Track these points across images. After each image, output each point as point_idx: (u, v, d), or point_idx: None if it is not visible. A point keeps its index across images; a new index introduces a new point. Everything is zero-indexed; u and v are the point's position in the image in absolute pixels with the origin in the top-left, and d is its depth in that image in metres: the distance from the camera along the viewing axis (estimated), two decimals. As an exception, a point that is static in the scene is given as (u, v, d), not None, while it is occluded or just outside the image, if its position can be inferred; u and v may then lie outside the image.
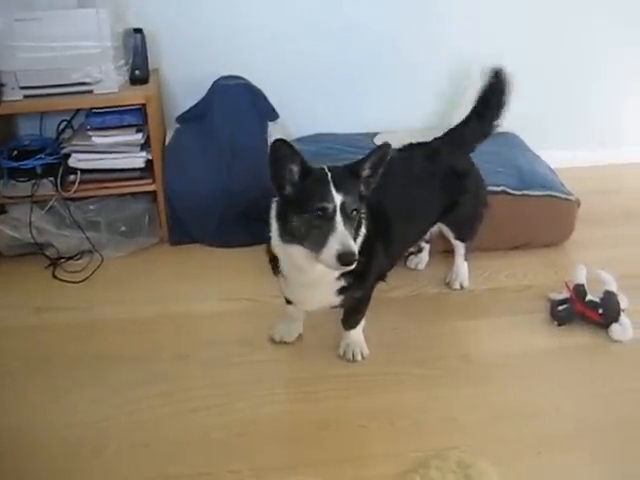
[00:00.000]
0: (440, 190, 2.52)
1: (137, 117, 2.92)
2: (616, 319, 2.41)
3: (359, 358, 2.36)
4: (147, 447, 2.00)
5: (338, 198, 1.90)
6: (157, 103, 3.11)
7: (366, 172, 2.03)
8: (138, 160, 2.96)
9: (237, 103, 3.14)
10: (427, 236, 2.72)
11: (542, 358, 2.34)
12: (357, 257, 1.86)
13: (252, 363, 2.34)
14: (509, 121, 2.67)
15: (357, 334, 2.39)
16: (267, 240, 2.16)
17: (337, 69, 3.43)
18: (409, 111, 3.52)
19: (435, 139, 2.64)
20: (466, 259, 2.77)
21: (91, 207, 3.02)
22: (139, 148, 2.96)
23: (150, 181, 2.99)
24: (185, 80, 3.32)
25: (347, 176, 1.99)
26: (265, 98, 3.25)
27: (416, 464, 1.87)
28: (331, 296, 2.18)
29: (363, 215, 2.05)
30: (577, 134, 3.58)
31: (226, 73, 3.26)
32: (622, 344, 2.39)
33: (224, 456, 1.97)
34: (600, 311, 2.43)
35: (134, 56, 3.03)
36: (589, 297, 2.47)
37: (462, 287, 2.75)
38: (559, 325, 2.48)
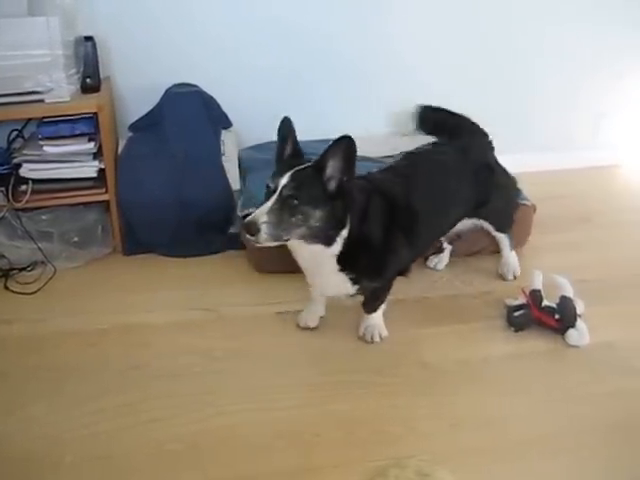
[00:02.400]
0: (472, 185, 2.57)
1: (89, 126, 2.88)
2: (572, 324, 2.42)
3: (377, 339, 2.44)
4: (103, 459, 1.96)
5: (283, 182, 2.03)
6: (109, 111, 3.07)
7: (330, 167, 2.06)
8: (90, 169, 2.91)
9: (190, 111, 3.11)
10: (459, 233, 2.77)
11: (499, 364, 2.34)
12: (260, 232, 1.98)
13: (207, 373, 2.30)
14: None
15: (377, 317, 2.47)
16: None
17: (291, 76, 3.43)
18: (364, 117, 3.52)
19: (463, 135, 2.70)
20: (512, 249, 2.82)
21: (43, 217, 2.96)
22: (91, 157, 2.91)
23: (103, 190, 2.94)
24: (138, 88, 3.29)
25: (309, 170, 2.07)
26: (218, 106, 3.23)
27: (374, 473, 1.85)
28: (345, 285, 2.28)
29: (322, 211, 2.07)
30: (528, 139, 3.62)
31: (179, 81, 3.25)
32: (579, 349, 2.40)
33: (179, 468, 1.93)
34: (556, 316, 2.44)
35: (85, 64, 2.99)
36: (545, 303, 2.47)
37: (515, 277, 2.81)
38: (516, 331, 2.48)
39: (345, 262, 2.21)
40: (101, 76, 3.05)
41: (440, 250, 2.91)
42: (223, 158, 3.09)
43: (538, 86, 3.66)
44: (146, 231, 2.98)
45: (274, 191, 2.05)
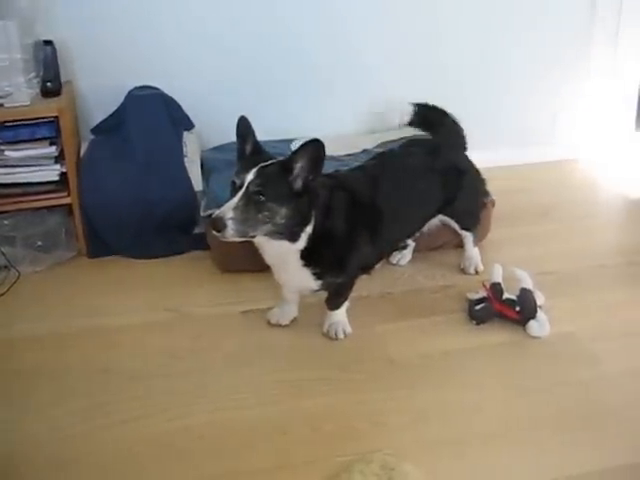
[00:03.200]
0: (438, 186, 2.63)
1: (50, 130, 2.87)
2: (533, 316, 2.46)
3: (341, 336, 2.46)
4: (72, 463, 1.96)
5: (249, 178, 2.05)
6: (70, 115, 3.06)
7: (298, 168, 2.09)
8: (52, 173, 2.91)
9: (152, 113, 3.11)
10: (425, 229, 2.80)
11: (462, 358, 2.38)
12: (226, 228, 2.02)
13: (174, 374, 2.31)
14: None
15: (340, 314, 2.49)
16: None
17: (252, 77, 3.44)
18: (325, 117, 3.55)
19: (435, 136, 2.77)
20: (475, 245, 2.87)
21: (5, 222, 2.94)
22: (53, 161, 2.90)
23: (65, 194, 2.93)
24: (99, 91, 3.27)
25: (276, 167, 2.10)
26: (180, 107, 3.24)
27: (340, 469, 1.88)
28: (309, 280, 2.31)
29: (288, 209, 2.10)
30: (488, 135, 3.64)
31: (140, 83, 3.24)
32: (540, 340, 2.45)
33: (149, 469, 1.94)
34: (517, 309, 2.48)
35: (45, 68, 2.97)
36: (506, 295, 2.51)
37: (477, 272, 2.85)
38: (478, 324, 2.52)
39: (309, 257, 2.24)
40: (62, 80, 3.04)
41: (403, 247, 2.94)
42: (185, 159, 3.10)
43: (497, 84, 3.70)
44: (110, 233, 2.97)
45: (240, 187, 2.07)
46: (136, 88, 3.22)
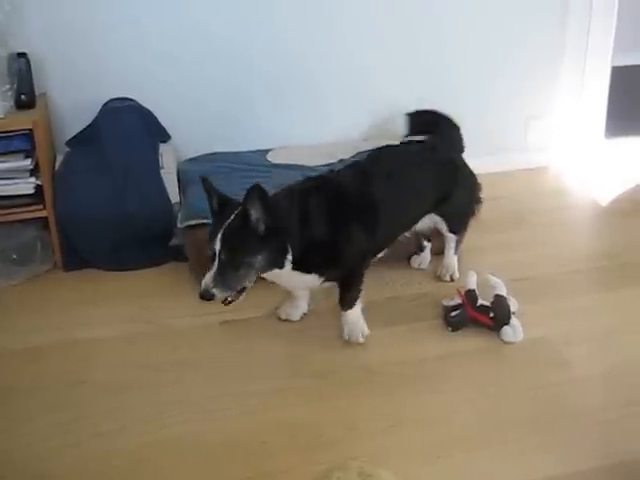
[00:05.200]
0: (434, 180, 2.67)
1: (25, 142, 2.86)
2: (507, 322, 2.50)
3: (361, 340, 2.49)
4: (49, 478, 1.96)
5: (217, 246, 2.14)
6: (45, 127, 3.05)
7: (253, 215, 2.14)
8: (27, 186, 2.89)
9: (127, 125, 3.11)
10: (425, 231, 2.85)
11: (438, 364, 2.41)
12: (212, 295, 2.12)
13: (151, 386, 2.32)
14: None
15: (355, 314, 2.50)
16: None
17: (227, 88, 3.44)
18: (303, 127, 3.57)
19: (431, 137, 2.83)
20: (456, 253, 2.90)
21: (-20, 236, 2.93)
22: (28, 174, 2.89)
23: (41, 207, 2.92)
24: (74, 103, 3.26)
25: (236, 225, 2.15)
26: (156, 119, 3.25)
27: (317, 477, 1.88)
28: (311, 280, 2.39)
29: (263, 254, 2.18)
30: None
31: (116, 95, 3.24)
32: (514, 345, 2.48)
33: (126, 483, 1.94)
34: (491, 315, 2.52)
35: (19, 81, 2.96)
36: (480, 302, 2.55)
37: (452, 279, 2.87)
38: (453, 331, 2.55)
39: (304, 266, 2.31)
40: (36, 92, 3.03)
41: (421, 249, 2.98)
42: (162, 171, 3.10)
43: (470, 92, 3.74)
44: (86, 246, 2.96)
45: (213, 255, 2.14)
46: (112, 100, 3.22)
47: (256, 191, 2.11)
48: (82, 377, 2.37)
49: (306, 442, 2.07)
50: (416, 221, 2.74)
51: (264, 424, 2.15)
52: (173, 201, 3.02)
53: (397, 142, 2.92)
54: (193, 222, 2.82)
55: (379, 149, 2.77)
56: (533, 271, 2.95)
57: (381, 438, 2.09)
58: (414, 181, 2.61)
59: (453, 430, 2.12)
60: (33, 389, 2.32)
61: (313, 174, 3.10)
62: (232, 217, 2.16)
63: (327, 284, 2.45)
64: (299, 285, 2.49)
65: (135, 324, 2.64)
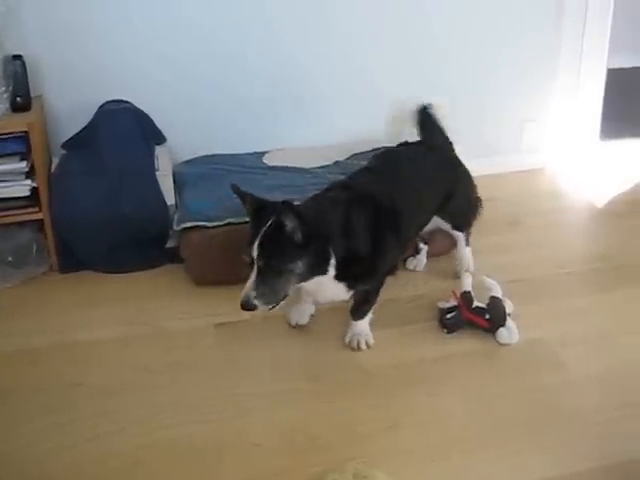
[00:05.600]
0: (441, 180, 2.70)
1: (20, 145, 2.86)
2: (502, 324, 2.50)
3: (364, 347, 2.48)
4: (45, 480, 1.96)
5: (255, 253, 2.09)
6: (41, 130, 3.05)
7: (288, 226, 2.10)
8: (23, 188, 2.89)
9: (123, 127, 3.10)
10: (424, 233, 2.86)
11: (434, 366, 2.41)
12: (254, 306, 2.09)
13: (147, 388, 2.32)
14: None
15: (364, 324, 2.51)
16: None
17: (223, 90, 3.43)
18: (299, 129, 3.57)
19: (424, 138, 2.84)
20: (467, 244, 2.91)
21: (-24, 238, 2.93)
22: (24, 176, 2.89)
23: (36, 209, 2.92)
24: (70, 106, 3.25)
25: (272, 232, 2.12)
26: (151, 121, 3.24)
27: (314, 479, 1.90)
28: (341, 292, 2.36)
29: (302, 263, 2.15)
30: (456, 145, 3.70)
31: (111, 97, 3.23)
32: (509, 347, 2.49)
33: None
34: (487, 317, 2.52)
35: (15, 83, 2.96)
36: (476, 304, 2.55)
37: (468, 272, 2.85)
38: (448, 332, 2.56)
39: (343, 275, 2.29)
40: (32, 95, 3.03)
41: (417, 251, 2.98)
42: (157, 173, 3.10)
43: (465, 94, 3.74)
44: (82, 248, 2.96)
45: (252, 262, 2.11)
46: (107, 102, 3.21)
47: (286, 208, 2.07)
48: (78, 379, 2.36)
49: (302, 444, 2.07)
50: (426, 225, 2.76)
51: (259, 426, 2.15)
52: (169, 203, 3.01)
53: (392, 144, 2.92)
54: (189, 224, 2.82)
55: (389, 152, 2.79)
56: (528, 273, 2.95)
57: (377, 440, 2.09)
58: (428, 184, 2.63)
59: (449, 432, 2.12)
60: (29, 391, 2.31)
61: (309, 176, 3.13)
62: (268, 224, 2.12)
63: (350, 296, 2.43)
64: (329, 297, 2.43)
65: (131, 326, 2.64)
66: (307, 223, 2.11)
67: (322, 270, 2.22)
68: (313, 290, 2.37)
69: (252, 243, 2.11)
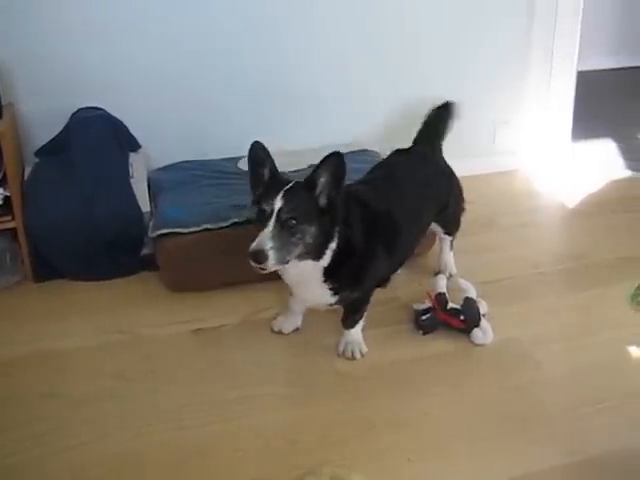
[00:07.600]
0: (438, 191, 2.70)
1: (-8, 154, 2.84)
2: (477, 324, 2.52)
3: (358, 356, 2.46)
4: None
5: (278, 204, 2.04)
6: (13, 138, 3.03)
7: (321, 184, 2.10)
8: (-5, 197, 2.87)
9: (97, 134, 3.09)
10: None
11: (409, 367, 2.43)
12: (268, 259, 2.00)
13: (124, 396, 2.31)
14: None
15: (356, 333, 2.50)
16: None
17: (197, 96, 3.43)
18: (276, 134, 3.55)
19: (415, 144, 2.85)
20: (451, 249, 2.96)
21: (-52, 248, 2.90)
22: (-4, 185, 2.87)
23: (9, 218, 2.89)
24: (43, 113, 3.22)
25: (300, 188, 2.11)
26: (125, 128, 3.23)
27: (291, 483, 1.91)
28: (326, 295, 2.32)
29: (313, 228, 2.11)
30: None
31: (85, 104, 3.21)
32: (484, 347, 2.51)
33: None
34: (461, 317, 2.54)
35: (-16, 92, 2.95)
36: (450, 305, 2.57)
37: (451, 275, 2.87)
38: (424, 334, 2.57)
39: (330, 273, 2.26)
40: (3, 102, 3.00)
41: None
42: (132, 180, 3.09)
43: (439, 98, 3.77)
44: (56, 257, 2.94)
45: (270, 214, 2.06)
46: (81, 109, 3.19)
47: (334, 160, 2.06)
48: (55, 388, 2.36)
49: (278, 449, 2.08)
50: (423, 236, 2.77)
51: (237, 432, 2.15)
52: (144, 210, 3.01)
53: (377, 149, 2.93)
54: (164, 231, 2.81)
55: (388, 163, 2.77)
56: (503, 273, 2.98)
57: (353, 442, 2.10)
58: (425, 198, 2.63)
59: (426, 432, 2.14)
60: (6, 401, 2.30)
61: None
62: (293, 183, 2.11)
63: (335, 306, 2.41)
64: (313, 299, 2.41)
65: (107, 334, 2.63)
66: (340, 187, 2.11)
67: (320, 252, 2.18)
68: (297, 282, 2.33)
69: (274, 195, 2.07)
